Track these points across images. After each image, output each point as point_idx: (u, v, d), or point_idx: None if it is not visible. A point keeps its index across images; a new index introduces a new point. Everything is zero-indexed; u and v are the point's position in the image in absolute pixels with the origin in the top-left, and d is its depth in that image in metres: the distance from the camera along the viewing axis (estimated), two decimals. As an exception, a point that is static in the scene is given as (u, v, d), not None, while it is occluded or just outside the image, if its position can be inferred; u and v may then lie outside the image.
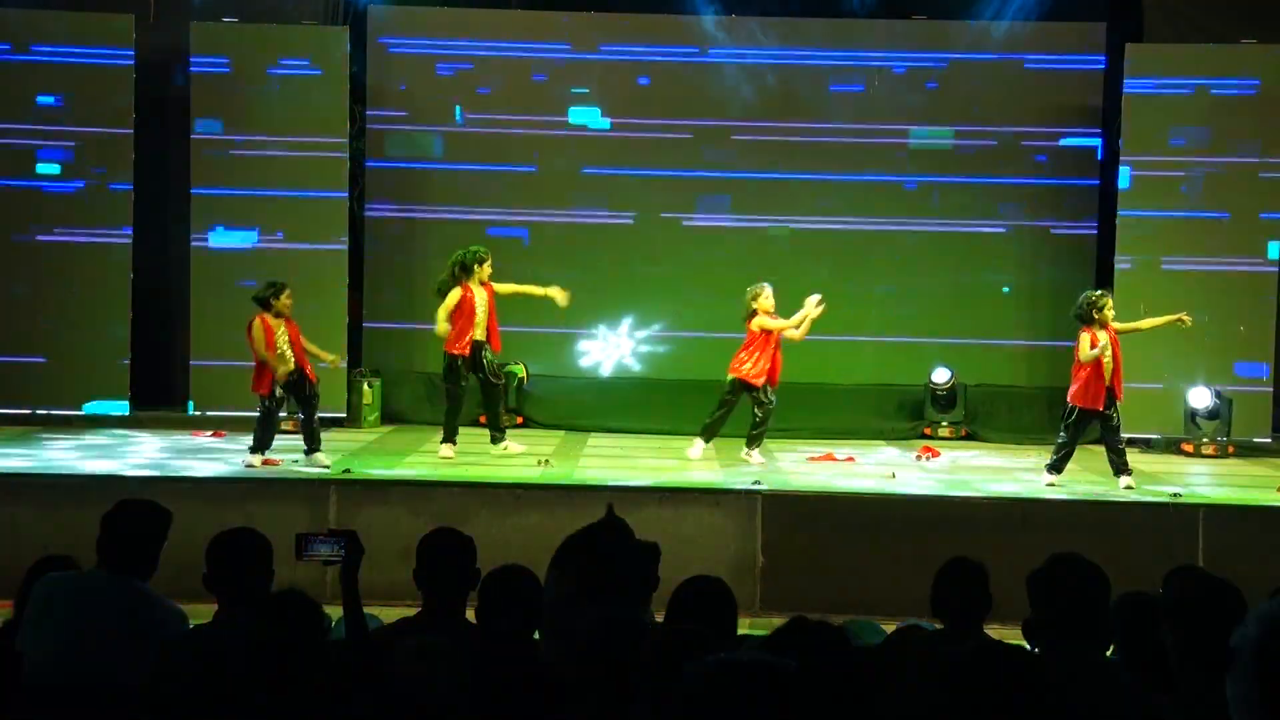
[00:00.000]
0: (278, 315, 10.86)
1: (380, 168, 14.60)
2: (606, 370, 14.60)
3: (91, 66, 13.59)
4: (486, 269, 11.58)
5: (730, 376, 11.67)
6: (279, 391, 11.00)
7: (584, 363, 14.62)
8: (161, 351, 14.04)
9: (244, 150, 13.70)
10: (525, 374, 14.17)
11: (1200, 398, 13.31)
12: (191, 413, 13.53)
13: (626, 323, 14.58)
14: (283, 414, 11.56)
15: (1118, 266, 13.57)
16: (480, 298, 11.51)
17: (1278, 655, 2.28)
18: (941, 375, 13.99)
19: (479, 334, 11.52)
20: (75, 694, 4.72)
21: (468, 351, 11.49)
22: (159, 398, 13.90)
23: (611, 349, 14.63)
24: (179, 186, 13.87)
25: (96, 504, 5.60)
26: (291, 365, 10.84)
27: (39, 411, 13.43)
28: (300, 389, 11.12)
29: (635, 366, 14.63)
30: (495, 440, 11.75)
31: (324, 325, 12.54)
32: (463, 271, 11.50)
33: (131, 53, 13.59)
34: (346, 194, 13.91)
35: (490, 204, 14.51)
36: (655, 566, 5.08)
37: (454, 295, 11.46)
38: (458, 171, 14.64)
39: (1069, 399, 10.87)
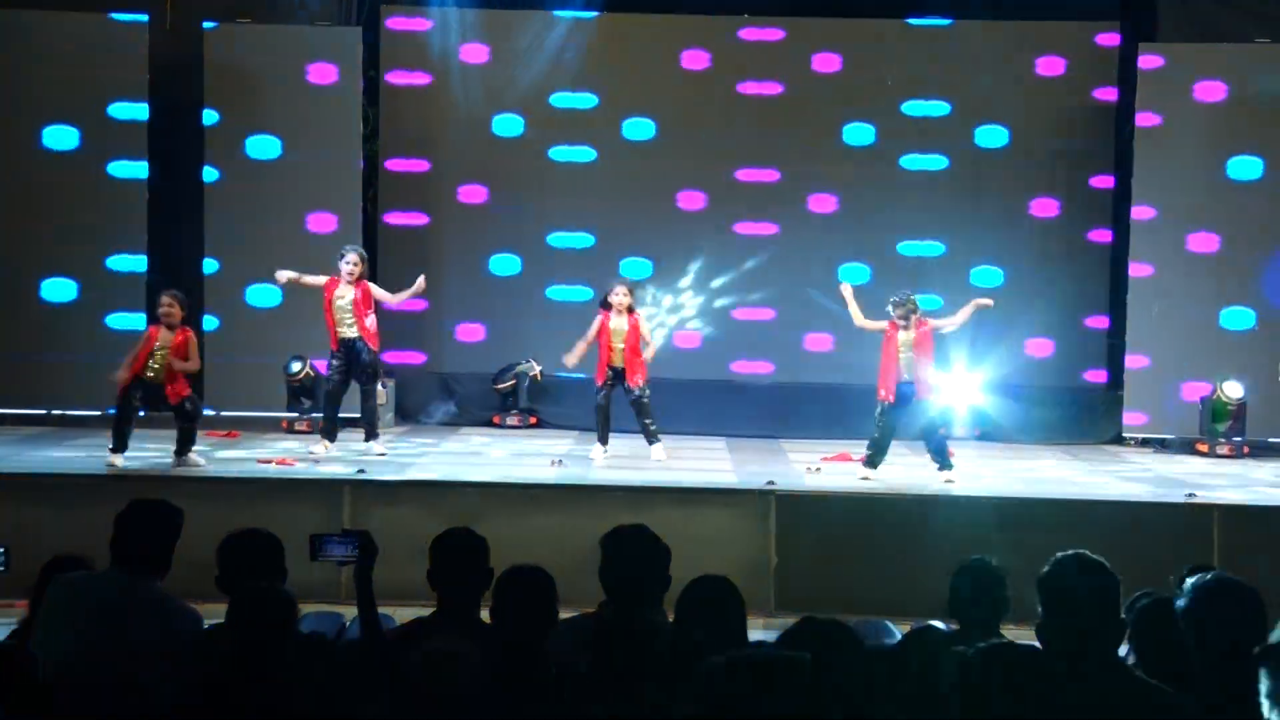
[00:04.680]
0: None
1: (394, 168, 14.60)
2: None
3: (104, 67, 13.58)
4: None
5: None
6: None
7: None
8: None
9: (258, 152, 13.70)
10: (538, 374, 14.16)
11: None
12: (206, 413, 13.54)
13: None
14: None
15: (1131, 264, 13.55)
16: None
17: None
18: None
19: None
20: (89, 694, 4.72)
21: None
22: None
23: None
24: (190, 190, 13.89)
25: (110, 504, 5.61)
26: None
27: (54, 412, 13.43)
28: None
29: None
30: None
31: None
32: None
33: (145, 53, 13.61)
34: (360, 195, 13.90)
35: (504, 206, 14.52)
36: (666, 567, 5.09)
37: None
38: (474, 171, 14.63)
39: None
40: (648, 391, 11.78)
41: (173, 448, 10.86)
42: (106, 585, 5.07)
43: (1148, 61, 13.53)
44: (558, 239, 14.63)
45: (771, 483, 10.34)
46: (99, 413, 13.34)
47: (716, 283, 14.54)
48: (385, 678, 4.24)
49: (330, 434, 11.66)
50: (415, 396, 14.40)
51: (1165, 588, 4.81)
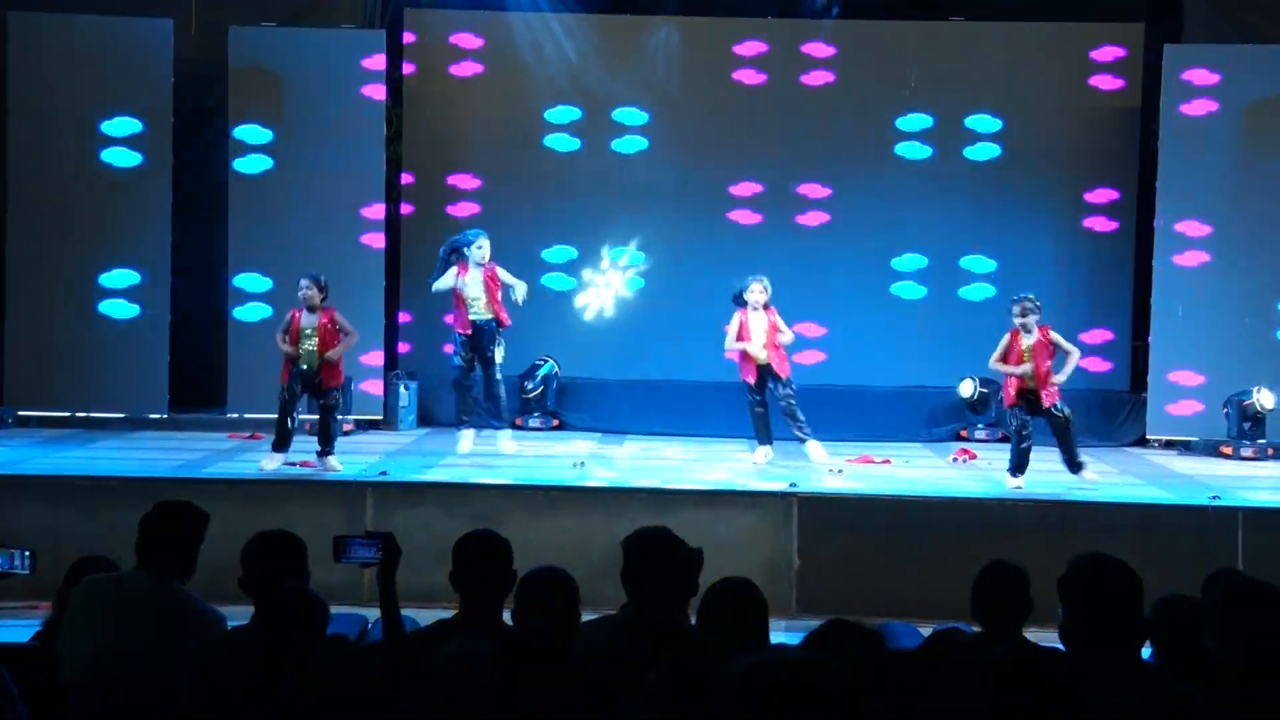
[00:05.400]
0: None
1: (417, 169, 14.63)
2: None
3: (129, 70, 13.63)
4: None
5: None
6: None
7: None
8: (200, 354, 14.10)
9: (281, 154, 13.74)
10: (557, 370, 14.17)
11: (965, 388, 13.76)
12: (229, 414, 13.60)
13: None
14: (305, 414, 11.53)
15: (1155, 266, 13.51)
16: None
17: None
18: (965, 389, 13.96)
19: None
20: (114, 695, 4.74)
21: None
22: (197, 399, 13.96)
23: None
24: (216, 191, 13.94)
25: (135, 506, 5.64)
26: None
27: (78, 414, 13.49)
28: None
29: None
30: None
31: (359, 327, 12.52)
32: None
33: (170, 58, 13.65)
34: (384, 195, 13.93)
35: (528, 207, 14.55)
36: (697, 573, 5.09)
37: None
38: (494, 174, 14.66)
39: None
40: (794, 387, 11.74)
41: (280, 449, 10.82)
42: (131, 587, 5.09)
43: (1172, 62, 13.48)
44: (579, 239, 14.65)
45: (794, 485, 10.34)
46: (121, 415, 13.46)
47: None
48: (408, 679, 4.25)
49: (471, 423, 11.83)
50: (436, 397, 14.40)
51: (1189, 591, 4.79)
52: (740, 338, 11.68)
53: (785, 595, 9.63)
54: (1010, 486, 10.64)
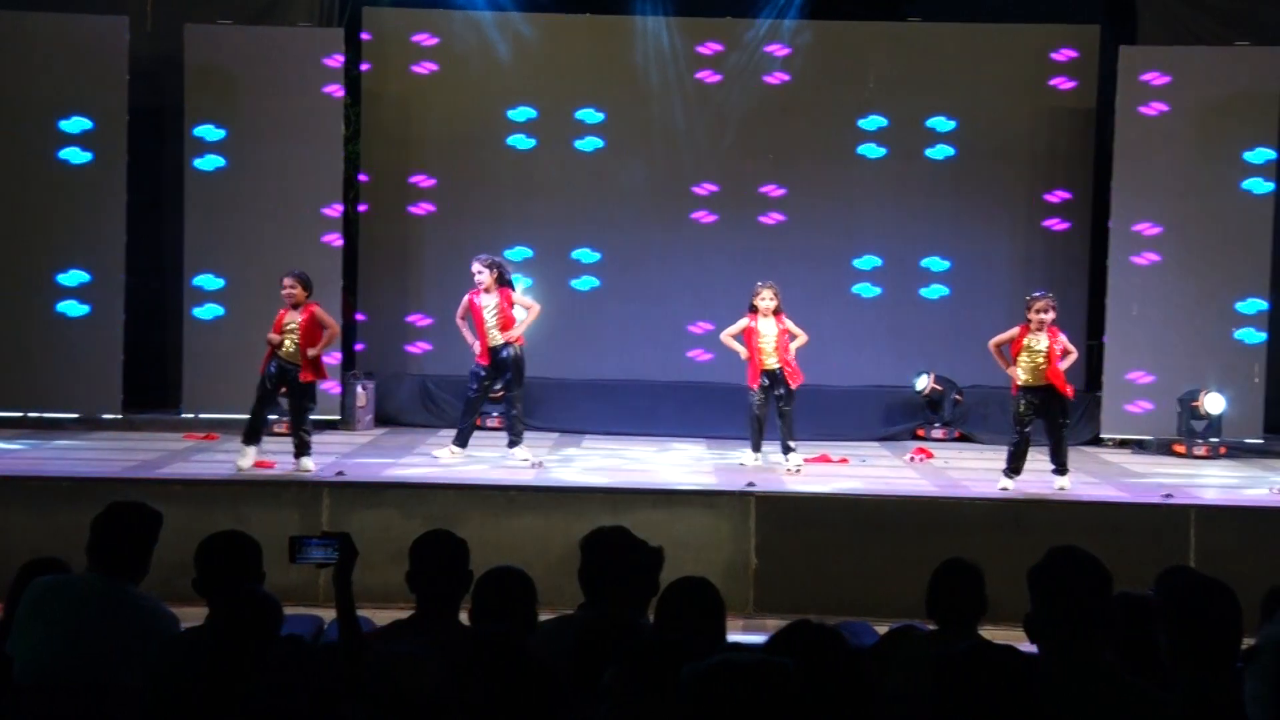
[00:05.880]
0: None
1: (374, 168, 14.59)
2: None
3: (85, 68, 13.54)
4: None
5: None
6: None
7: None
8: (156, 353, 14.01)
9: (238, 153, 13.67)
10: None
11: (921, 382, 13.94)
12: (184, 415, 13.52)
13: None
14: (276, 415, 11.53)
15: (1110, 266, 13.61)
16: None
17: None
18: (921, 382, 14.03)
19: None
20: (65, 697, 4.70)
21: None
22: (152, 399, 13.87)
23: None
24: (173, 190, 13.85)
25: (88, 506, 5.60)
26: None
27: (31, 414, 13.37)
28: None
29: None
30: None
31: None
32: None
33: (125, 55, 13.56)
34: (341, 195, 13.87)
35: (486, 207, 14.52)
36: (658, 572, 5.09)
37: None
38: (455, 171, 14.63)
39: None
40: (794, 400, 11.70)
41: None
42: (83, 588, 5.05)
43: (1126, 64, 13.57)
44: (541, 239, 14.63)
45: (751, 484, 10.35)
46: (75, 415, 13.36)
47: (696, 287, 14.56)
48: (362, 680, 4.23)
49: (464, 442, 11.78)
50: (395, 399, 14.36)
51: (1142, 588, 4.82)
52: (747, 344, 11.66)
53: (743, 594, 9.65)
54: (999, 488, 10.61)
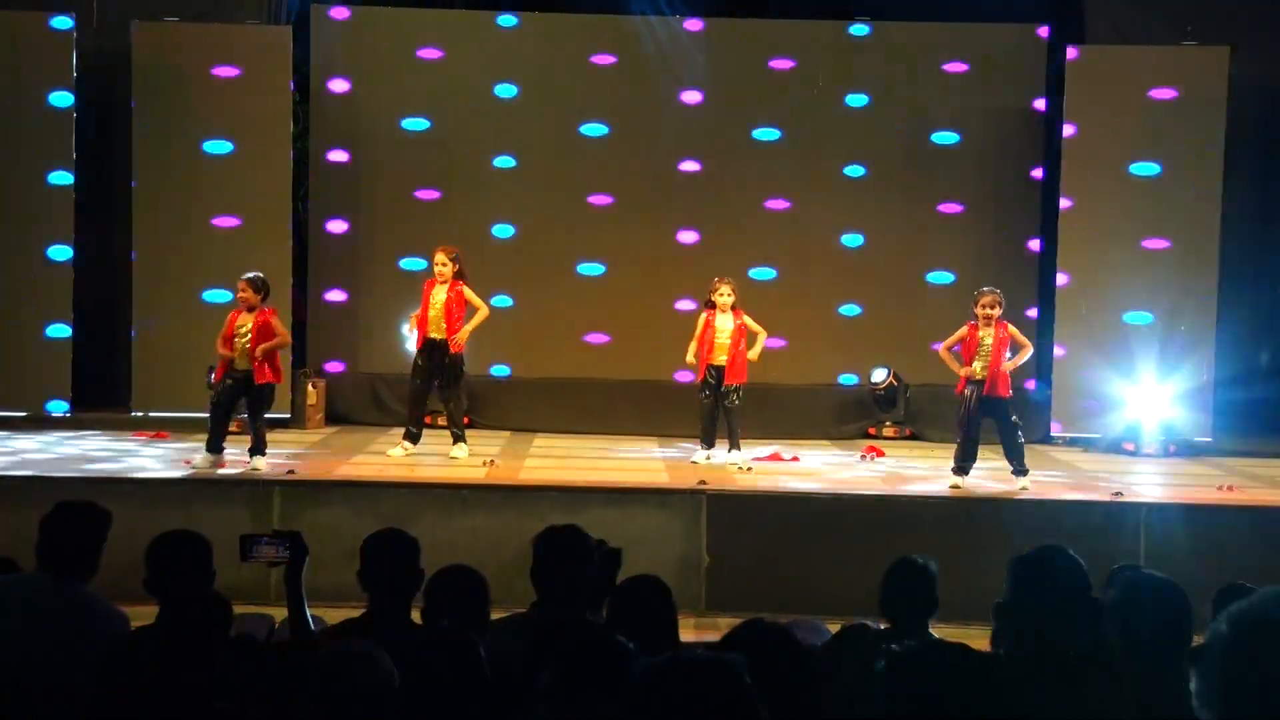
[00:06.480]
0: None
1: (325, 166, 14.52)
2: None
3: (31, 64, 13.42)
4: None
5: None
6: None
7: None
8: (104, 352, 13.90)
9: (187, 150, 13.58)
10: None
11: (878, 374, 13.99)
12: (134, 413, 13.42)
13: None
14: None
15: (1060, 265, 13.68)
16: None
17: (1247, 655, 2.31)
18: (879, 375, 14.08)
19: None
20: (14, 696, 4.66)
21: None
22: (101, 398, 13.76)
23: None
24: (123, 187, 13.74)
25: (36, 506, 5.55)
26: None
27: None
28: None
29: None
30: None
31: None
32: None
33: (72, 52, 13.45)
34: (290, 193, 13.80)
35: (435, 204, 14.48)
36: (615, 571, 5.09)
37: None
38: (404, 170, 14.57)
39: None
40: (741, 395, 11.67)
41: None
42: (32, 587, 5.01)
43: (1075, 64, 13.66)
44: (491, 237, 14.58)
45: (703, 482, 10.37)
46: (23, 414, 13.23)
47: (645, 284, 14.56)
48: (311, 680, 4.21)
49: (415, 437, 11.71)
50: (345, 399, 14.30)
51: (1093, 585, 4.86)
52: (703, 338, 11.66)
53: (695, 593, 9.66)
54: (949, 486, 10.62)
